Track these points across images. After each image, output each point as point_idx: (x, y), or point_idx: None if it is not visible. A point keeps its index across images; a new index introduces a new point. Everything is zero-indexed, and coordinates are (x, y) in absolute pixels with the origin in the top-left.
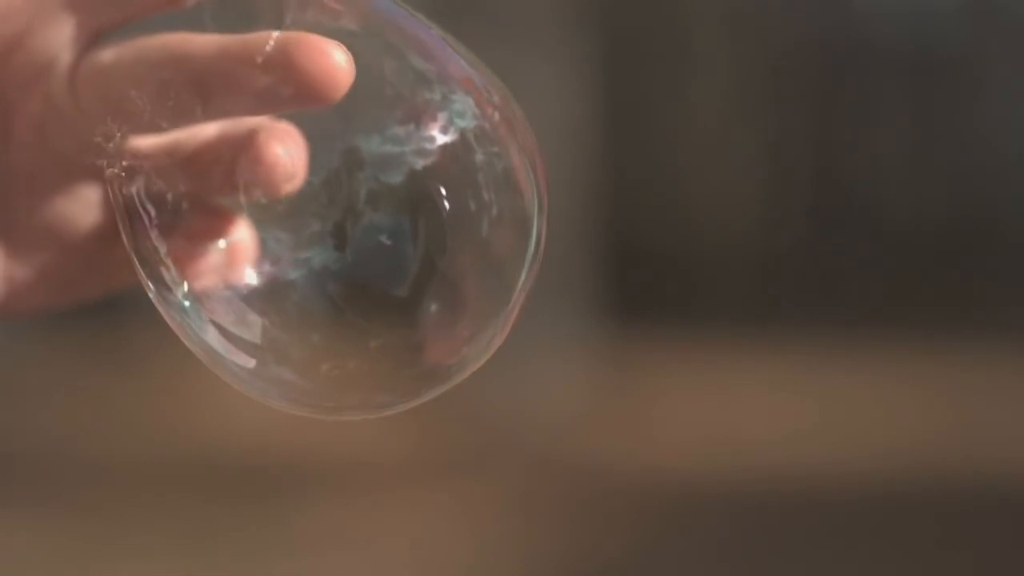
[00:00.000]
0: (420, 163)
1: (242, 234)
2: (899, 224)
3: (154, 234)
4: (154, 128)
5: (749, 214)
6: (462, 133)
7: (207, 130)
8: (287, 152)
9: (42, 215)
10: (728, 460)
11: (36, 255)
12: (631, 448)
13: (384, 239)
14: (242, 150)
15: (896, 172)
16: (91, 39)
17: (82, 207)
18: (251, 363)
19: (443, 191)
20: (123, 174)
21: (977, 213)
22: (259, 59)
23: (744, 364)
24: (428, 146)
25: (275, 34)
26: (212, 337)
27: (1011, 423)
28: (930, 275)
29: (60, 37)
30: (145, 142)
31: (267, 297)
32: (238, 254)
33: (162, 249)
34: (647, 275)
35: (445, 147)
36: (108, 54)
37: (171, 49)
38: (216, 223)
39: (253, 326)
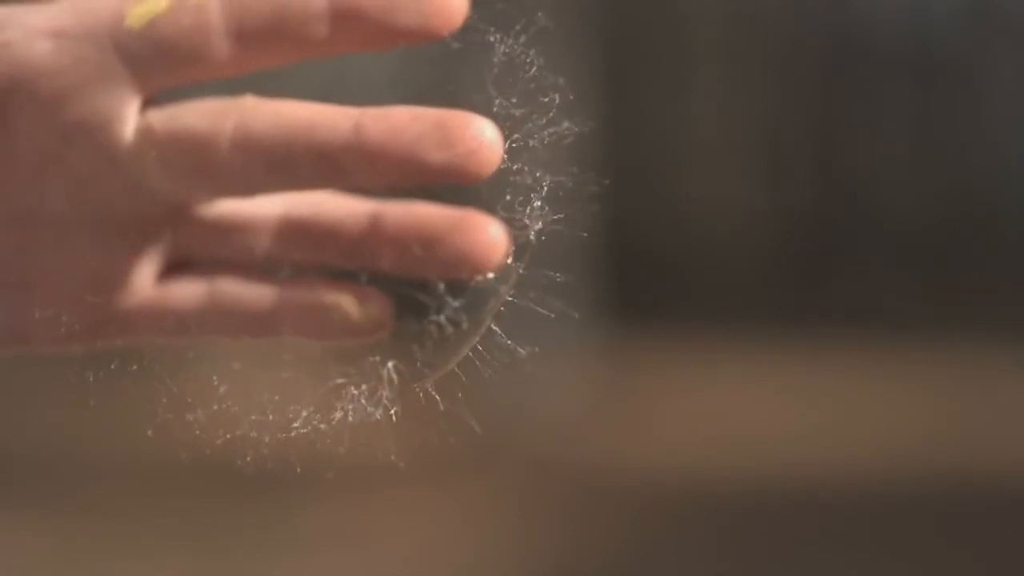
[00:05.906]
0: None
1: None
2: (899, 224)
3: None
4: (249, 193)
5: (749, 214)
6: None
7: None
8: (501, 234)
9: (66, 266)
10: (728, 460)
11: (56, 303)
12: (631, 448)
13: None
14: (453, 230)
15: (896, 172)
16: (148, 98)
17: (108, 260)
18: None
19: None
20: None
21: (977, 213)
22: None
23: (744, 364)
24: None
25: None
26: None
27: (1011, 423)
28: (930, 275)
29: (113, 96)
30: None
31: None
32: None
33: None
34: (647, 275)
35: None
36: (190, 118)
37: (290, 123)
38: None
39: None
